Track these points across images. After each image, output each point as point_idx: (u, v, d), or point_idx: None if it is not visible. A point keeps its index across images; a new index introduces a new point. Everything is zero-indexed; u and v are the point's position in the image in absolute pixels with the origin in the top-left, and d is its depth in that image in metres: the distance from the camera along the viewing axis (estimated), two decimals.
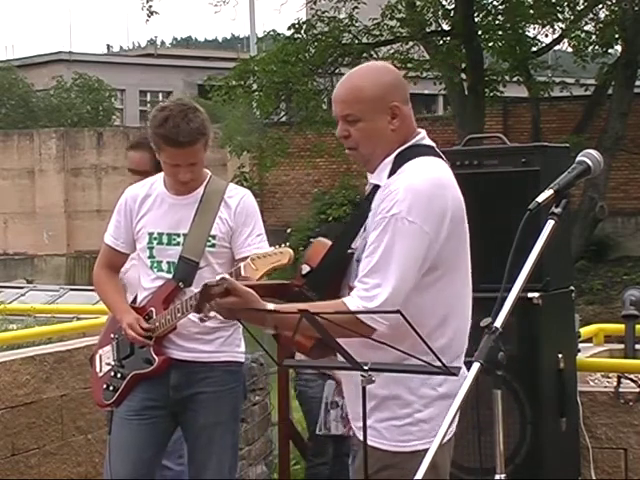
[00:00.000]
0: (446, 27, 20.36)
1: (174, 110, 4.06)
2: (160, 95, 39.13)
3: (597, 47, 19.78)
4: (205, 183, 4.23)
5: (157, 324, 4.13)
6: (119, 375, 4.27)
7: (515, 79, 20.51)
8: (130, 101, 39.04)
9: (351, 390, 3.14)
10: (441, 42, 19.87)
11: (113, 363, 4.32)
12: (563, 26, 20.13)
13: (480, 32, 19.47)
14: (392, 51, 20.57)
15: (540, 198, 2.63)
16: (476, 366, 2.44)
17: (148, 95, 39.62)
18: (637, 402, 4.99)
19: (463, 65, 19.63)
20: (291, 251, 3.68)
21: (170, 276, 4.16)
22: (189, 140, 4.04)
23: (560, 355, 4.72)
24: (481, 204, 4.36)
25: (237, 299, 2.96)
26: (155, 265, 4.19)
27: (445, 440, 2.67)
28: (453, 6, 20.09)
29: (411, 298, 2.95)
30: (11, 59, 39.02)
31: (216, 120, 19.48)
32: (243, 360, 4.33)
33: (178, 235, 4.18)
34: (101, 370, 4.39)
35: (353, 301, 2.93)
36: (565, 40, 20.47)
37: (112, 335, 4.36)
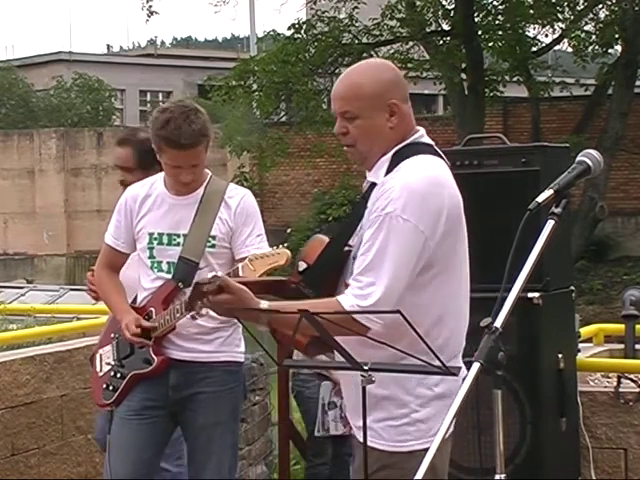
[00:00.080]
0: (446, 27, 20.37)
1: (175, 112, 4.06)
2: (160, 95, 39.15)
3: (597, 47, 19.79)
4: (205, 183, 4.23)
5: (156, 324, 4.14)
6: (119, 375, 4.28)
7: (515, 79, 20.52)
8: (130, 101, 39.04)
9: (350, 390, 3.14)
10: (441, 42, 19.89)
11: (113, 363, 4.32)
12: (563, 26, 20.14)
13: (480, 32, 19.48)
14: (392, 51, 20.58)
15: (540, 198, 2.63)
16: (476, 366, 2.43)
17: (148, 95, 39.62)
18: (637, 402, 4.99)
19: (463, 65, 19.64)
20: (288, 252, 3.68)
21: (170, 276, 4.17)
22: (191, 142, 4.03)
23: (560, 355, 4.72)
24: (481, 204, 4.37)
25: (230, 296, 2.95)
26: (155, 265, 4.19)
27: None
28: (453, 6, 20.10)
29: (407, 297, 2.94)
30: (11, 59, 39.04)
31: (216, 120, 19.47)
32: (243, 360, 4.33)
33: (178, 235, 4.18)
34: (101, 370, 4.39)
35: (347, 299, 2.93)
36: (565, 40, 20.48)
37: (112, 335, 4.36)
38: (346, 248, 3.13)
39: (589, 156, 2.77)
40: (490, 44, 19.65)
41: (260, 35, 28.16)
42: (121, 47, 55.46)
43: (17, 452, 5.56)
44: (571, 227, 10.71)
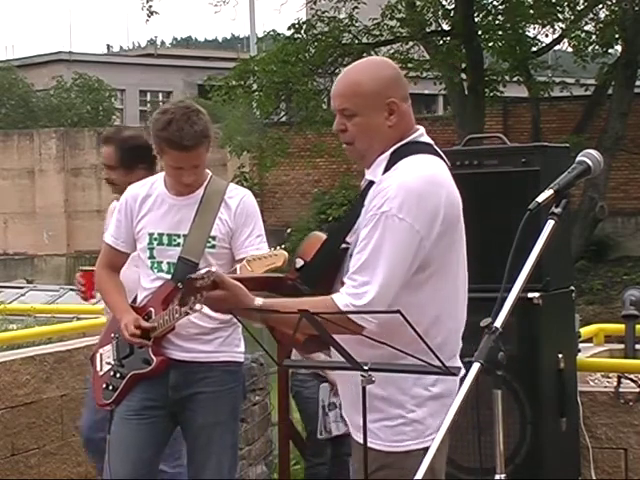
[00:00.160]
0: (446, 27, 20.36)
1: (177, 113, 4.05)
2: (160, 95, 39.15)
3: (597, 47, 19.78)
4: (205, 184, 4.22)
5: (155, 324, 4.13)
6: (118, 375, 4.28)
7: (515, 79, 20.51)
8: (130, 101, 39.04)
9: (347, 389, 3.14)
10: (441, 42, 19.87)
11: (113, 362, 4.32)
12: (563, 26, 20.13)
13: (480, 32, 19.47)
14: (392, 51, 20.55)
15: (540, 198, 2.63)
16: (476, 366, 2.43)
17: (148, 95, 39.63)
18: (637, 402, 5.00)
19: (463, 65, 19.63)
20: (286, 254, 3.69)
21: (170, 277, 4.16)
22: (193, 143, 4.03)
23: (560, 355, 4.72)
24: (481, 204, 4.38)
25: (224, 292, 2.95)
26: (155, 266, 4.19)
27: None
28: (453, 6, 20.09)
29: (403, 297, 2.94)
30: (11, 59, 39.03)
31: (216, 120, 19.45)
32: (242, 360, 4.33)
33: (178, 236, 4.18)
34: (102, 369, 4.39)
35: (341, 298, 2.92)
36: (565, 40, 20.47)
37: (112, 334, 4.36)
38: (343, 245, 3.12)
39: (589, 156, 2.77)
40: (490, 44, 19.64)
41: (260, 35, 28.18)
42: (121, 47, 55.53)
43: (17, 452, 5.56)
44: (571, 227, 10.71)
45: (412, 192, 2.94)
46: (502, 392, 2.51)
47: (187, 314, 3.97)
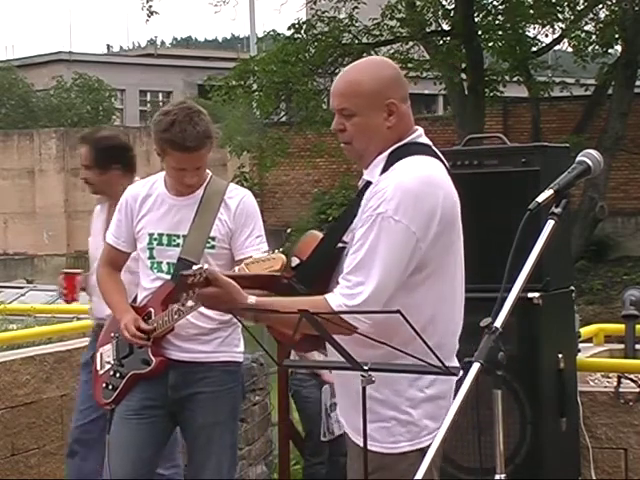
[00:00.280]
0: (446, 27, 20.35)
1: (179, 114, 4.03)
2: (160, 95, 39.15)
3: (597, 47, 19.77)
4: (205, 184, 4.22)
5: (155, 325, 4.13)
6: (118, 374, 4.28)
7: (515, 79, 20.50)
8: (130, 101, 39.04)
9: (344, 390, 3.13)
10: (441, 42, 19.87)
11: (113, 362, 4.32)
12: (563, 26, 20.12)
13: (480, 32, 19.46)
14: (392, 51, 20.54)
15: (540, 198, 2.62)
16: (476, 366, 2.43)
17: (148, 95, 39.63)
18: (637, 402, 4.99)
19: (463, 65, 19.62)
20: (283, 257, 3.69)
21: (169, 277, 4.16)
22: (196, 145, 4.02)
23: (560, 355, 4.72)
24: (481, 204, 4.38)
25: (217, 290, 2.95)
26: (155, 266, 4.19)
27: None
28: (453, 6, 20.08)
29: (399, 298, 2.93)
30: (11, 59, 39.03)
31: (216, 120, 19.38)
32: (242, 360, 4.32)
33: (178, 236, 4.17)
34: (102, 368, 4.39)
35: (335, 298, 2.92)
36: (565, 40, 20.46)
37: (112, 334, 4.36)
38: (339, 245, 3.12)
39: (589, 156, 2.76)
40: (490, 44, 19.63)
41: (260, 35, 28.16)
42: (121, 47, 55.54)
43: (17, 452, 5.57)
44: (571, 227, 10.71)
45: (409, 193, 2.93)
46: (502, 392, 2.51)
47: (182, 312, 3.97)
